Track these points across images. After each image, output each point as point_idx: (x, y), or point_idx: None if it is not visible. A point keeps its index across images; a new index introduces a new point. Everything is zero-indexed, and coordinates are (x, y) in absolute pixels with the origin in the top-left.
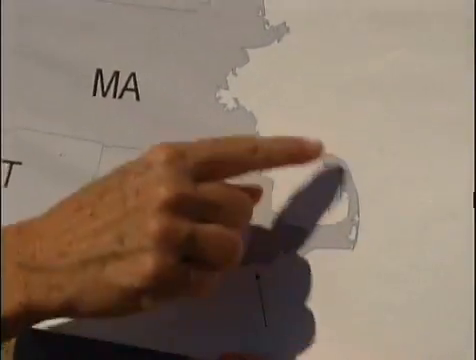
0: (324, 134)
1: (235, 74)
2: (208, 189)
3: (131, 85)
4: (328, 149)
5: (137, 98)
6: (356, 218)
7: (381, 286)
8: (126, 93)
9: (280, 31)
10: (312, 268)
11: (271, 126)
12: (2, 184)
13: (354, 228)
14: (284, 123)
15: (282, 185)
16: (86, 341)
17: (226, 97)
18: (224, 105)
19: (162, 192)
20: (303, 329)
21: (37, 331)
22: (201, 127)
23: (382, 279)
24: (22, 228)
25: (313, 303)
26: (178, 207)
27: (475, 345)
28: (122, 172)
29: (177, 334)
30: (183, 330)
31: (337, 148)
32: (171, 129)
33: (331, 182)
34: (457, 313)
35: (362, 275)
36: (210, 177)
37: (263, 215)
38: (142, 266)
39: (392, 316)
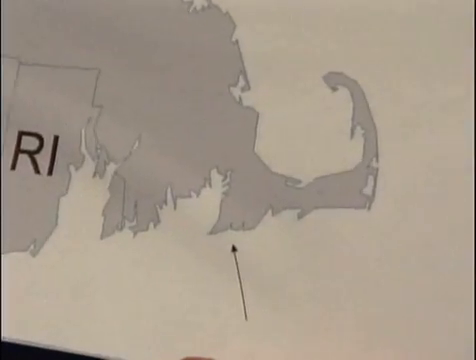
0: None
1: None
2: None
3: None
4: (336, 65)
5: None
6: (374, 164)
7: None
8: None
9: None
10: (311, 237)
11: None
12: None
13: (371, 178)
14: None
15: (270, 118)
16: None
17: None
18: None
19: None
20: (294, 323)
21: None
22: None
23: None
24: None
25: (309, 288)
26: None
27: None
28: None
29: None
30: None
31: (347, 65)
32: None
33: (338, 112)
34: None
35: (380, 247)
36: None
37: (243, 161)
38: None
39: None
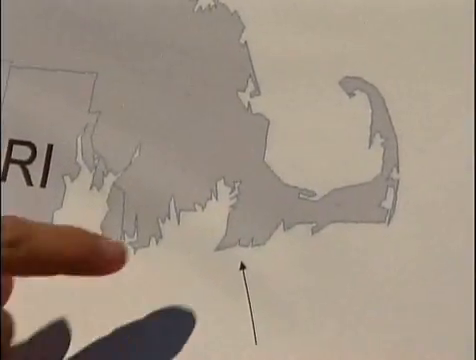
0: None
1: None
2: None
3: None
4: (353, 69)
5: None
6: (394, 175)
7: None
8: None
9: None
10: (326, 253)
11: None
12: None
13: (391, 191)
14: None
15: (282, 125)
16: None
17: None
18: None
19: None
20: (308, 347)
21: None
22: None
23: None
24: None
25: (324, 308)
26: None
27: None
28: None
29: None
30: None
31: (364, 69)
32: None
33: (356, 119)
34: None
35: (400, 264)
36: None
37: (252, 171)
38: None
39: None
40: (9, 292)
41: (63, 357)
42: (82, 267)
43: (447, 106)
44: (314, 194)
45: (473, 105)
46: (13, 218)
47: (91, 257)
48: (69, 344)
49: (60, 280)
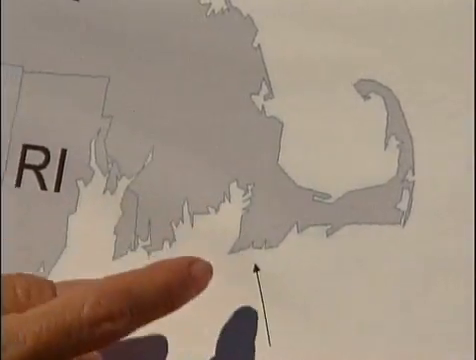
0: None
1: None
2: None
3: None
4: (368, 71)
5: None
6: (409, 177)
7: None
8: None
9: None
10: (340, 255)
11: None
12: None
13: (406, 193)
14: None
15: (296, 128)
16: None
17: None
18: None
19: None
20: (322, 350)
21: None
22: None
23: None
24: None
25: (339, 311)
26: None
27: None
28: None
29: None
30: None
31: (379, 71)
32: None
33: (371, 122)
34: None
35: (416, 266)
36: None
37: (265, 174)
38: None
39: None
40: None
41: None
42: (182, 300)
43: (462, 108)
44: (329, 196)
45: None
46: (108, 283)
47: (187, 285)
48: None
49: None
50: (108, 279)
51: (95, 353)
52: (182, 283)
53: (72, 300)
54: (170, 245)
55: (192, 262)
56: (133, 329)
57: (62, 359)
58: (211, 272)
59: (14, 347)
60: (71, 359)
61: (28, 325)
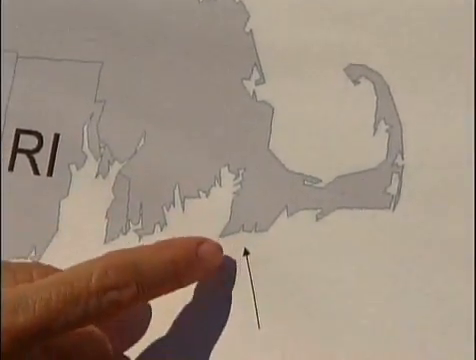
0: None
1: None
2: None
3: None
4: (358, 56)
5: None
6: (399, 161)
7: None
8: None
9: None
10: (330, 240)
11: None
12: None
13: (395, 177)
14: None
15: (286, 113)
16: None
17: None
18: None
19: None
20: (310, 332)
21: None
22: None
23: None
24: None
25: (328, 294)
26: None
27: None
28: None
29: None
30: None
31: (369, 56)
32: None
33: (361, 106)
34: None
35: (406, 250)
36: None
37: (256, 158)
38: None
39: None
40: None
41: None
42: (189, 279)
43: (450, 94)
44: (319, 181)
45: (473, 99)
46: (115, 256)
47: (194, 265)
48: None
49: None
50: (116, 252)
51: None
52: (189, 261)
53: (81, 270)
54: (161, 229)
55: (201, 242)
56: (138, 301)
57: (69, 327)
58: (220, 253)
59: (24, 313)
60: (77, 328)
61: (38, 292)
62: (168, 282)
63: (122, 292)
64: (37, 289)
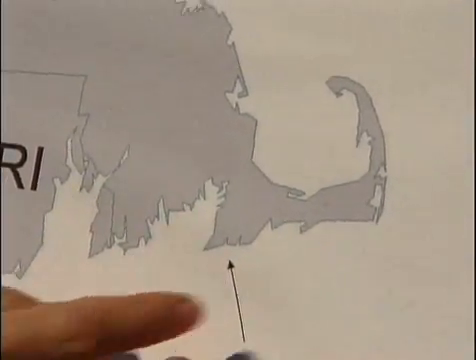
0: None
1: None
2: None
3: None
4: (340, 69)
5: None
6: (381, 173)
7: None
8: None
9: None
10: (314, 252)
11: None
12: None
13: (379, 189)
14: None
15: (270, 125)
16: None
17: None
18: None
19: None
20: (295, 346)
21: None
22: None
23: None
24: None
25: (312, 307)
26: None
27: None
28: None
29: None
30: None
31: (351, 69)
32: None
33: (343, 119)
34: None
35: (389, 262)
36: None
37: (240, 171)
38: None
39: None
40: None
41: None
42: (158, 338)
43: (433, 105)
44: (303, 193)
45: (473, 103)
46: (85, 304)
47: (167, 325)
48: None
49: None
50: (90, 299)
51: None
52: (164, 321)
53: (46, 312)
54: (146, 242)
55: (181, 300)
56: (100, 355)
57: None
58: (199, 316)
59: None
60: None
61: (6, 326)
62: (134, 339)
63: (83, 343)
64: (6, 321)
